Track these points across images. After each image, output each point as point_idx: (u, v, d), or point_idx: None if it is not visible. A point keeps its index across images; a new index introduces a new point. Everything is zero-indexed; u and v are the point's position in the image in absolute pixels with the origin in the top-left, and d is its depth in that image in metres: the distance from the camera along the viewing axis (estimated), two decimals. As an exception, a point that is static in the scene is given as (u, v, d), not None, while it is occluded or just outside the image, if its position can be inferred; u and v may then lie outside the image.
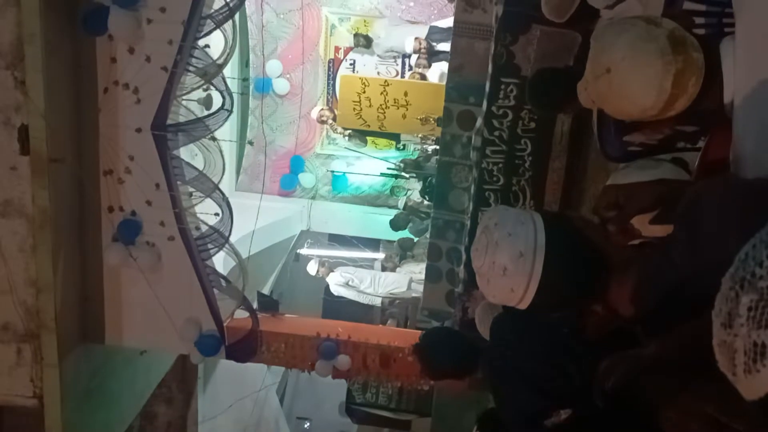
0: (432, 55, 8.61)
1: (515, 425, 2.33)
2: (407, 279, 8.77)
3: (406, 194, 9.06)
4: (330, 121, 9.26)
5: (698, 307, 1.16)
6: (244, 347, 5.33)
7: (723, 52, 1.53)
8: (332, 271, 9.10)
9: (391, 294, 8.98)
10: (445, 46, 8.23)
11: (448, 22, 8.02)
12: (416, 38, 8.56)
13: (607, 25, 1.63)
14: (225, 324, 5.24)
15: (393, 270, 9.27)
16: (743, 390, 0.80)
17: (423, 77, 8.71)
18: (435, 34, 8.54)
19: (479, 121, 5.11)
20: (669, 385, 1.09)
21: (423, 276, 6.44)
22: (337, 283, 9.09)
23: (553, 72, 3.36)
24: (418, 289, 7.58)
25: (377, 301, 9.14)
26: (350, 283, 9.03)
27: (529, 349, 2.23)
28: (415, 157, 8.79)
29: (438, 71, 8.56)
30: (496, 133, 4.93)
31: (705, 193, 1.26)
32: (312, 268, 9.16)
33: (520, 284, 1.48)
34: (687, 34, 1.52)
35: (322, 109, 9.21)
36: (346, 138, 9.62)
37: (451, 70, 5.54)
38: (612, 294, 1.50)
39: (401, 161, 8.76)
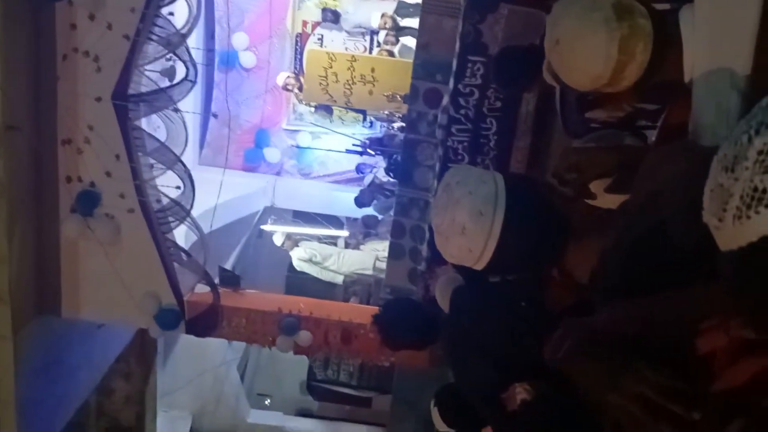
0: (398, 31, 8.58)
1: (473, 397, 2.35)
2: (372, 258, 8.78)
3: (371, 171, 9.04)
4: (295, 90, 9.16)
5: (653, 273, 1.17)
6: (205, 322, 5.29)
7: (682, 20, 1.55)
8: (297, 245, 9.07)
9: (355, 273, 8.99)
10: (410, 22, 8.21)
11: (416, -2, 7.99)
12: (382, 14, 8.51)
13: (558, 1, 1.66)
14: (185, 298, 5.19)
15: (356, 248, 9.26)
16: (725, 238, 0.78)
17: (391, 54, 8.67)
18: (403, 9, 8.50)
19: (445, 99, 5.11)
20: (612, 365, 1.09)
21: (386, 254, 6.45)
22: (300, 258, 9.06)
23: (517, 51, 3.37)
24: (383, 268, 7.59)
25: (339, 279, 9.14)
26: (313, 259, 9.01)
27: (487, 321, 2.24)
28: (381, 134, 8.77)
29: (400, 45, 8.57)
30: (462, 111, 4.94)
31: (665, 157, 1.27)
32: (278, 238, 9.11)
33: (479, 243, 1.48)
34: (635, 3, 1.54)
35: (288, 77, 9.09)
36: (312, 110, 9.55)
37: (419, 47, 5.52)
38: (569, 258, 1.50)
39: (366, 138, 8.72)
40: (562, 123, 2.59)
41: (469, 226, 1.47)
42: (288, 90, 9.23)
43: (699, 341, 0.96)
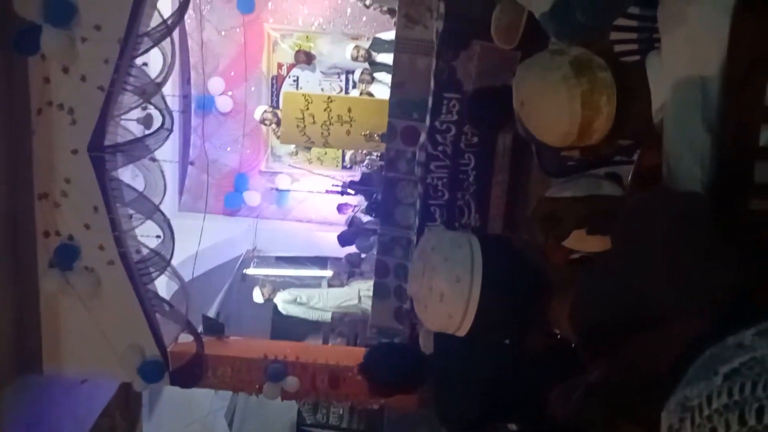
0: (372, 66, 8.66)
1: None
2: (356, 291, 8.74)
3: (352, 211, 9.04)
4: (273, 125, 9.15)
5: (638, 321, 1.16)
6: (189, 372, 5.20)
7: (649, 66, 1.56)
8: (279, 291, 9.02)
9: (340, 307, 8.93)
10: (385, 58, 8.30)
11: (391, 34, 8.08)
12: (356, 46, 8.60)
13: (520, 63, 1.68)
14: (169, 349, 5.11)
15: (341, 287, 9.22)
16: None
17: (369, 95, 8.72)
18: (378, 45, 8.60)
19: (423, 137, 5.13)
20: (610, 410, 1.08)
21: (371, 293, 6.41)
22: (285, 300, 9.00)
23: (489, 92, 3.39)
24: (369, 303, 7.55)
25: (327, 316, 9.07)
26: (298, 300, 8.96)
27: (472, 360, 2.23)
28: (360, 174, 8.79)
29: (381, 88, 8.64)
30: (440, 148, 4.96)
31: (642, 205, 1.27)
32: (257, 295, 9.06)
33: (458, 310, 1.45)
34: (593, 56, 1.56)
35: (266, 111, 9.09)
36: (292, 151, 9.59)
37: (394, 85, 5.55)
38: (553, 314, 1.48)
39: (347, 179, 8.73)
40: (537, 161, 2.60)
41: (447, 293, 1.44)
42: (265, 124, 9.22)
43: None
